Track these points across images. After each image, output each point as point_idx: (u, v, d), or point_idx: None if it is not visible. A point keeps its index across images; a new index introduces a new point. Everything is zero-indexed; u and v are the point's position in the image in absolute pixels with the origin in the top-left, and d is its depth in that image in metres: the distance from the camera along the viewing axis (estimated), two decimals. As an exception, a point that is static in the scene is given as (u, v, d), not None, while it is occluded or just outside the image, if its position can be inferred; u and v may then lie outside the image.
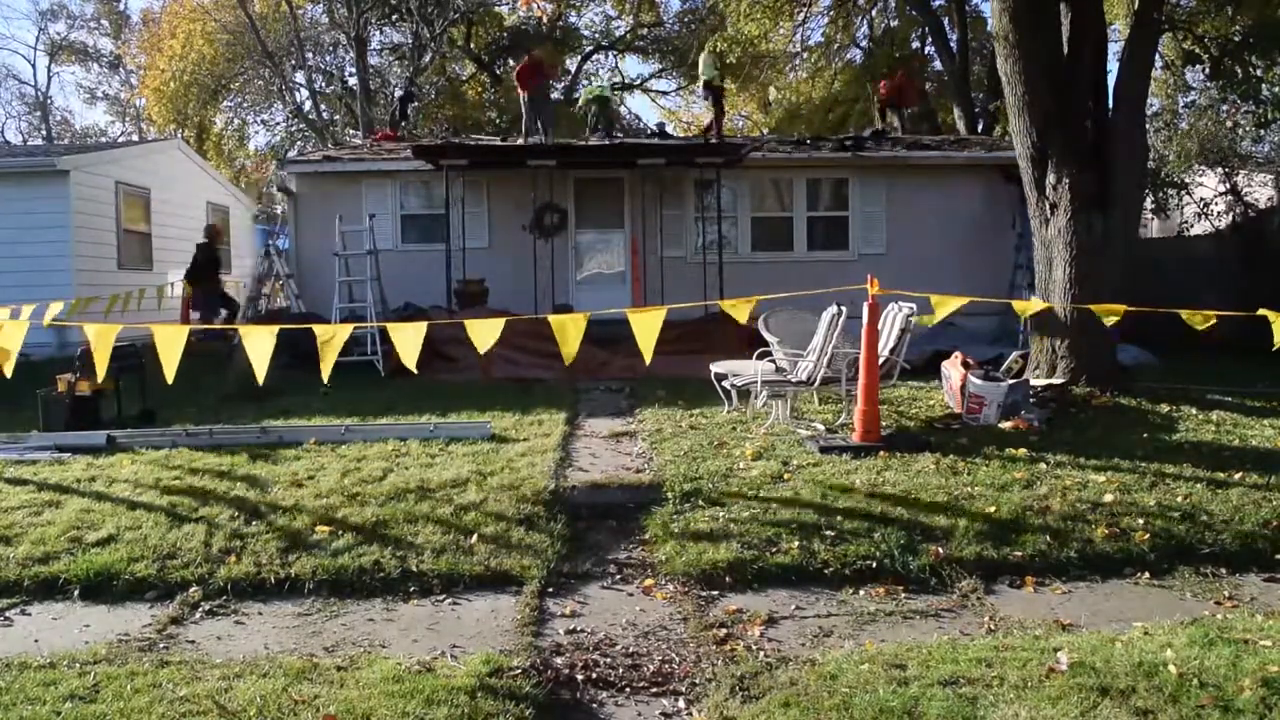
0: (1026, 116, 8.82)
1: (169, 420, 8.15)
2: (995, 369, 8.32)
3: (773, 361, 7.85)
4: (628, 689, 3.70)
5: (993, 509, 5.40)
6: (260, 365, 5.37)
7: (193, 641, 4.18)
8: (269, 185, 30.67)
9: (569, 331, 5.47)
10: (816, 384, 7.36)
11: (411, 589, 4.70)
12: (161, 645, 4.12)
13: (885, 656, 3.75)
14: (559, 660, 3.91)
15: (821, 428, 7.37)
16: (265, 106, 33.31)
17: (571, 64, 32.96)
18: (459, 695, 3.46)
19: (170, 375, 5.50)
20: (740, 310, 6.38)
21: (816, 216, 14.63)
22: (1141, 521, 5.26)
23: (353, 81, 29.24)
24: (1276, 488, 5.77)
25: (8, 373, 6.15)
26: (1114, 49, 12.35)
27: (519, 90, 15.43)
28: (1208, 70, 16.38)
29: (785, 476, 6.03)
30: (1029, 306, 7.76)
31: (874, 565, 4.86)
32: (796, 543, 5.03)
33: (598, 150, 14.40)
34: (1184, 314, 6.07)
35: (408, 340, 5.44)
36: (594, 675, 3.78)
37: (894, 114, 17.72)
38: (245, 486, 5.96)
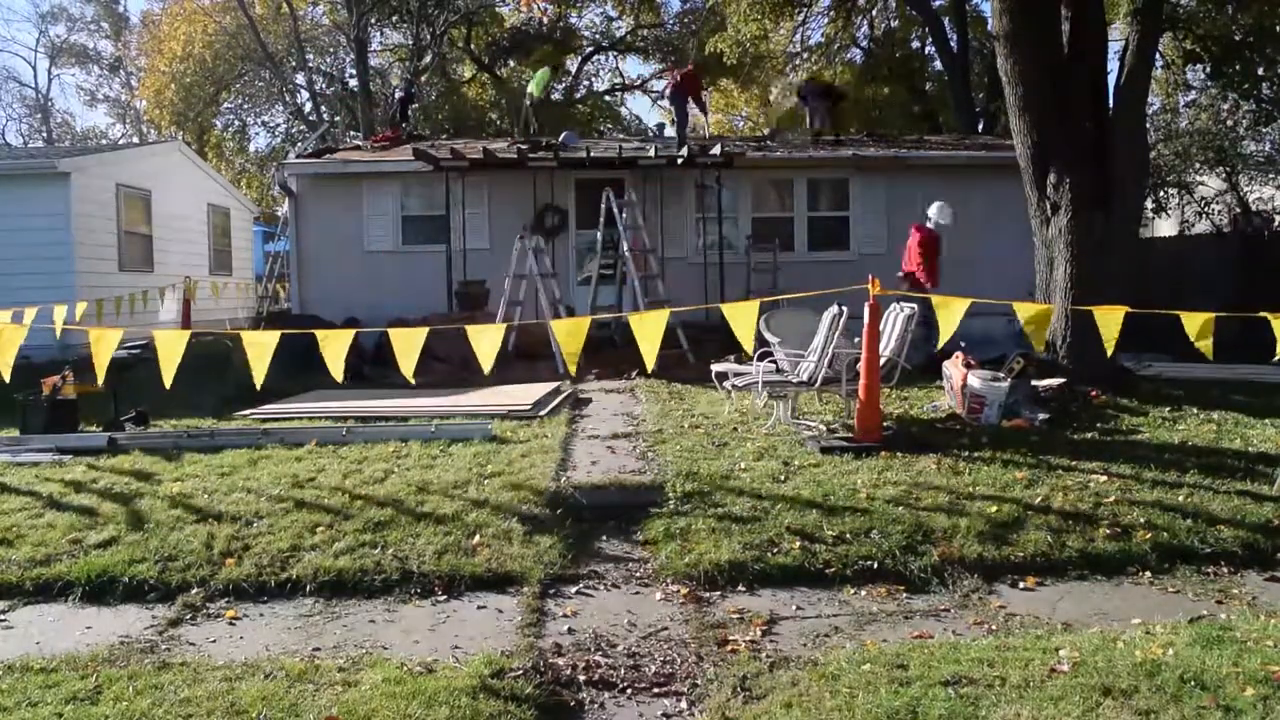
0: (1026, 116, 8.82)
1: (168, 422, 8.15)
2: (996, 369, 8.31)
3: (774, 362, 7.85)
4: (629, 690, 3.69)
5: (994, 509, 5.40)
6: (260, 368, 5.41)
7: (194, 643, 4.18)
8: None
9: (572, 340, 5.48)
10: (817, 384, 7.36)
11: (412, 590, 4.70)
12: (163, 647, 4.12)
13: (887, 657, 3.75)
14: (560, 661, 3.91)
15: (822, 428, 7.37)
16: (266, 108, 33.37)
17: (572, 64, 32.95)
18: (460, 696, 3.46)
19: (168, 379, 5.51)
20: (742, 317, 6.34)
21: (817, 216, 14.62)
22: (1142, 521, 5.26)
23: (353, 83, 29.28)
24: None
25: (5, 376, 6.16)
26: (1114, 48, 12.35)
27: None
28: (1208, 70, 16.36)
29: (786, 477, 6.03)
30: (1030, 307, 7.74)
31: (875, 565, 4.85)
32: (797, 543, 5.03)
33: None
34: (1184, 315, 6.05)
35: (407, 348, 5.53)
36: (595, 676, 3.78)
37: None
38: (245, 489, 5.97)
